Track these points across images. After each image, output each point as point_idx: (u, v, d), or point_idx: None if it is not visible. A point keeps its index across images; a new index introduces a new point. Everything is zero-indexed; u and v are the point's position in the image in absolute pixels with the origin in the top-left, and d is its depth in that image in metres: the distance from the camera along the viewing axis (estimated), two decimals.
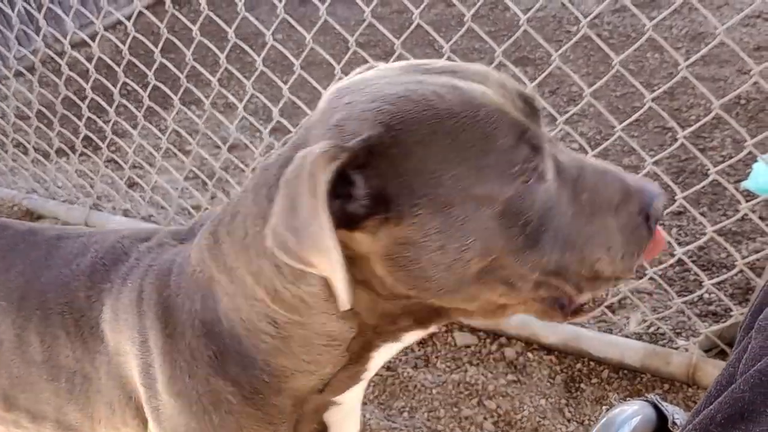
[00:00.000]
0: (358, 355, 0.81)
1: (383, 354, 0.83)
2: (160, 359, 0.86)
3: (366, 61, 0.87)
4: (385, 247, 0.68)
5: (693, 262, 1.84)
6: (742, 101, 2.63)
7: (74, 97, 2.65)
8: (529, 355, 1.81)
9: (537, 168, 0.68)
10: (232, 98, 2.27)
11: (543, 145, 0.69)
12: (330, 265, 0.62)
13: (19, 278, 1.03)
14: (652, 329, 1.80)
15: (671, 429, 0.76)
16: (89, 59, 2.37)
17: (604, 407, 1.64)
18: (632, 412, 0.78)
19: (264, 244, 0.69)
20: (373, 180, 0.65)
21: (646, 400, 0.80)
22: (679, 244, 2.04)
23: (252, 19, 1.94)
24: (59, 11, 2.60)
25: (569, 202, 0.71)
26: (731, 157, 2.33)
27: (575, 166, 0.72)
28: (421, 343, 1.91)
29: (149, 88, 2.26)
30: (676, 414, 0.78)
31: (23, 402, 1.04)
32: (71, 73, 2.48)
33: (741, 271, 1.54)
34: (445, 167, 0.65)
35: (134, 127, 2.50)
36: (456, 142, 0.65)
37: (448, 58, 1.36)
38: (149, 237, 1.00)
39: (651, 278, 1.72)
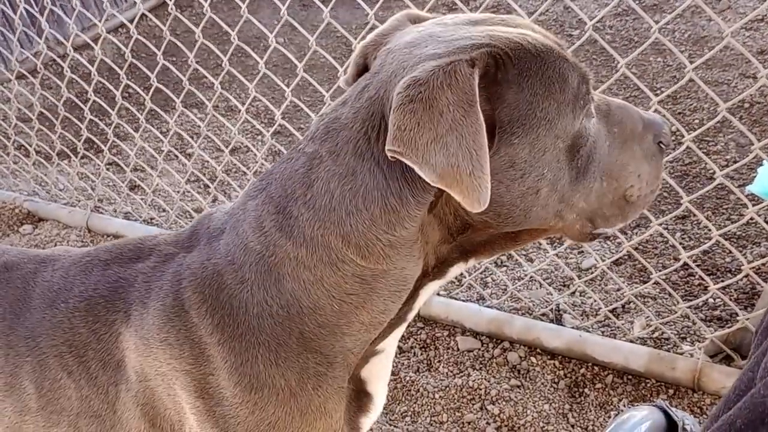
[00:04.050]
0: (411, 295, 0.85)
1: (428, 291, 0.88)
2: (234, 362, 0.84)
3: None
4: None
5: (698, 266, 1.83)
6: (746, 105, 2.62)
7: (76, 100, 2.65)
8: (533, 359, 1.80)
9: (590, 106, 0.78)
10: (234, 101, 2.26)
11: (591, 86, 0.79)
12: (478, 164, 0.66)
13: (0, 323, 0.99)
14: (656, 334, 1.79)
15: None
16: (91, 62, 2.37)
17: (608, 412, 1.63)
18: (641, 417, 0.77)
19: (356, 200, 0.75)
20: (486, 102, 0.71)
21: (655, 406, 0.79)
22: (684, 248, 2.03)
23: (255, 21, 1.94)
24: (61, 14, 2.59)
25: (606, 135, 0.81)
26: (735, 161, 2.33)
27: (604, 103, 0.83)
28: (424, 347, 1.90)
29: (151, 91, 2.26)
30: (686, 419, 0.76)
31: None
32: (73, 76, 2.48)
33: (747, 275, 1.53)
34: (538, 101, 0.72)
35: (136, 129, 2.50)
36: (543, 80, 0.73)
37: None
38: (138, 256, 0.96)
39: (655, 282, 1.71)
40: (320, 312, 0.82)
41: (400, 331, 0.94)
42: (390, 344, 0.94)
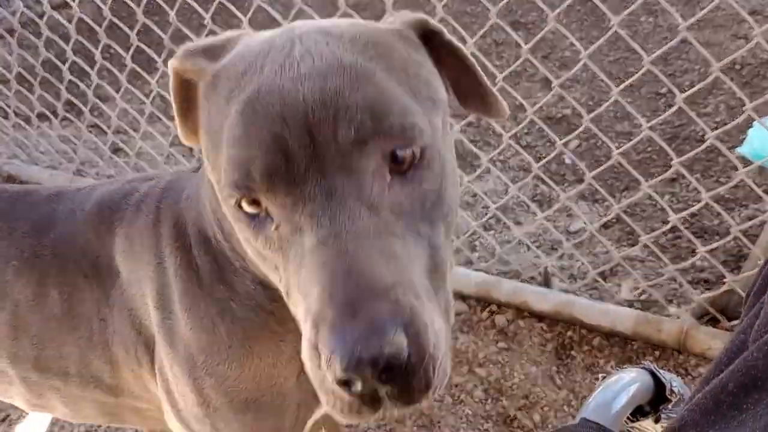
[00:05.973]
0: None
1: None
2: (175, 274, 0.87)
3: None
4: None
5: (686, 228, 1.83)
6: (737, 66, 2.60)
7: (55, 60, 2.57)
8: (520, 322, 1.80)
9: (259, 203, 0.61)
10: None
11: (265, 192, 0.59)
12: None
13: (26, 239, 1.01)
14: (644, 296, 1.79)
15: (669, 396, 0.74)
16: (70, 20, 2.30)
17: (595, 374, 1.64)
18: (630, 379, 0.76)
19: None
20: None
21: (643, 368, 0.78)
22: (673, 210, 2.03)
23: None
24: None
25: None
26: (725, 123, 2.31)
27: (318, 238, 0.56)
28: None
29: (132, 51, 2.20)
30: (674, 381, 0.76)
31: (44, 361, 1.03)
32: (52, 35, 2.41)
33: (735, 238, 1.53)
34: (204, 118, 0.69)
35: (117, 91, 2.43)
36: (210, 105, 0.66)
37: (442, 21, 1.32)
38: (161, 175, 1.00)
39: (644, 245, 1.70)
40: (220, 244, 0.83)
41: None
42: None
